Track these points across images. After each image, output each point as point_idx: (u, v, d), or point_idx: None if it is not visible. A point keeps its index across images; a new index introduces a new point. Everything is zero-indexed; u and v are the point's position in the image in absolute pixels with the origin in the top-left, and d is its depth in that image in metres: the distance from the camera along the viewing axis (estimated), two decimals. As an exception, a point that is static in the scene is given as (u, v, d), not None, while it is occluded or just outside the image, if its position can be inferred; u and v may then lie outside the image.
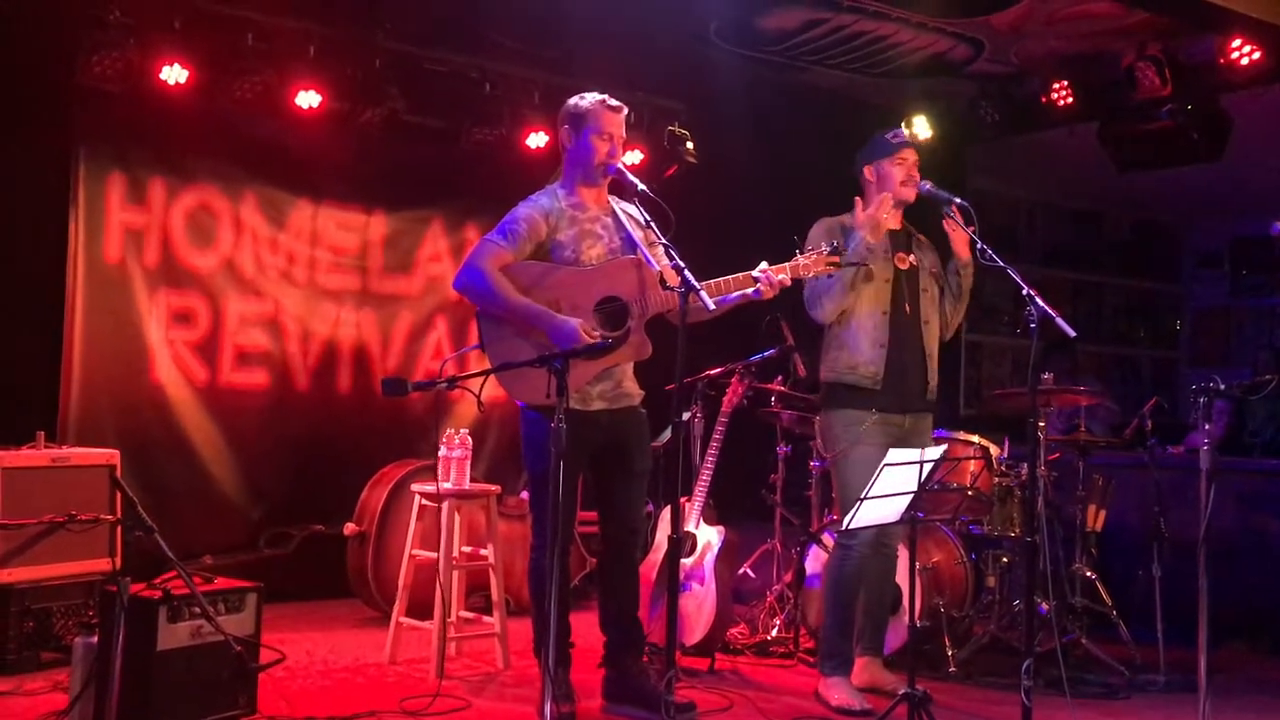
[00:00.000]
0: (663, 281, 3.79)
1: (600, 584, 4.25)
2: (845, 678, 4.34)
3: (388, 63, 5.72)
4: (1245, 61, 6.20)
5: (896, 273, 4.39)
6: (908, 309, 4.39)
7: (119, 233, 5.41)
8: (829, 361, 4.43)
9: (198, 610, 3.58)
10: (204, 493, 5.62)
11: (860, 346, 4.34)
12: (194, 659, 3.60)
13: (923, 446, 3.73)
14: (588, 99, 4.06)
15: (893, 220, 4.44)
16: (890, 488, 3.56)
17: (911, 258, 4.45)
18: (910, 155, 4.40)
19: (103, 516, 4.43)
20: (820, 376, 4.49)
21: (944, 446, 3.78)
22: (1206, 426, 3.73)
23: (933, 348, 4.44)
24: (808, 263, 3.97)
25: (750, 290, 3.90)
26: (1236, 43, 6.18)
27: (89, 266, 5.30)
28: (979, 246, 4.08)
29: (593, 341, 3.74)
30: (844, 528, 3.73)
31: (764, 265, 3.93)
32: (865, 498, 3.52)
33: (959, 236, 4.35)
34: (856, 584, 4.40)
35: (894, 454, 3.54)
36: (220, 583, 3.80)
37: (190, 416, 5.59)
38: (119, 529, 4.47)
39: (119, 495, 4.45)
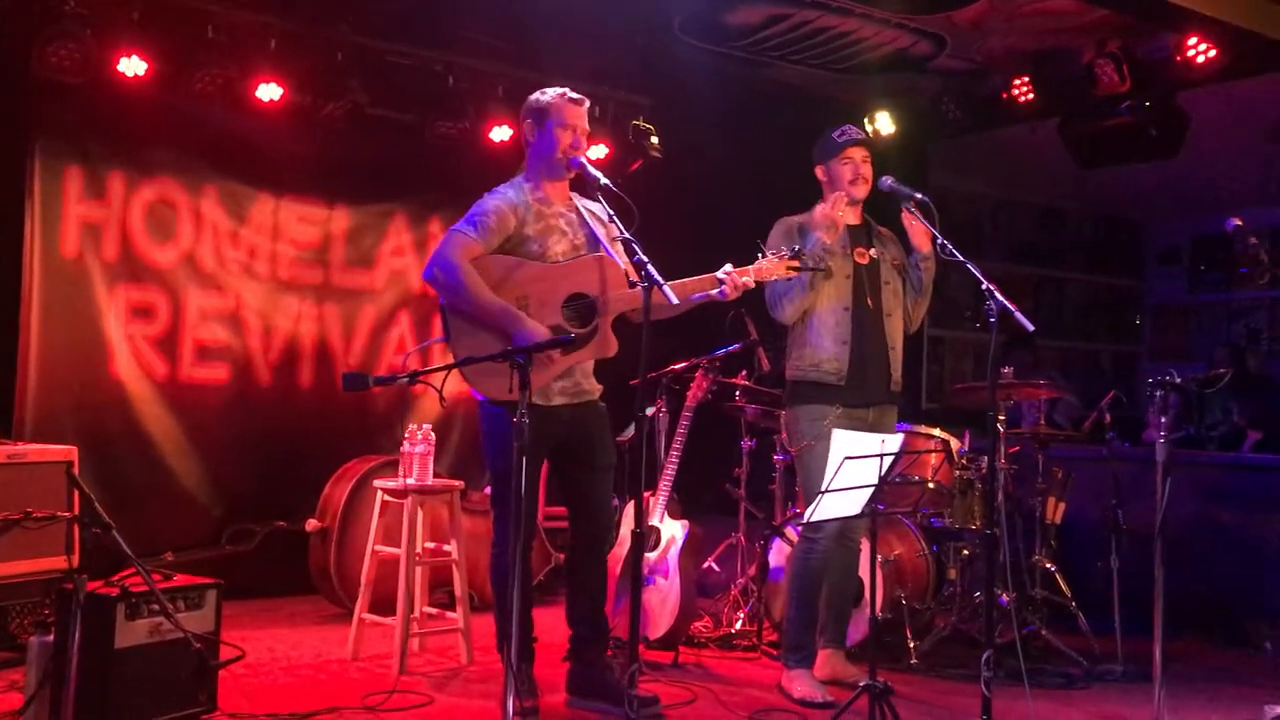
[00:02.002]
0: (629, 280, 3.79)
1: (570, 579, 4.23)
2: (808, 670, 4.36)
3: (350, 56, 5.69)
4: (1201, 59, 6.27)
5: (856, 268, 4.41)
6: (870, 303, 4.41)
7: (76, 227, 5.34)
8: (794, 359, 4.45)
9: (156, 607, 3.54)
10: (165, 489, 5.56)
11: (823, 343, 4.36)
12: (153, 656, 3.56)
13: (885, 439, 3.75)
14: (549, 93, 4.06)
15: (851, 215, 4.45)
16: (852, 481, 3.58)
17: (872, 251, 4.47)
18: (857, 153, 4.41)
19: (59, 513, 4.37)
20: (786, 374, 4.51)
21: (899, 437, 3.81)
22: (1162, 420, 3.78)
23: (896, 340, 4.46)
24: (768, 266, 4.00)
25: (715, 291, 3.93)
26: (1193, 40, 6.26)
27: (46, 261, 5.23)
28: (939, 242, 4.11)
29: (557, 338, 3.73)
30: (805, 520, 3.75)
31: (728, 267, 3.95)
32: (826, 490, 3.54)
33: (917, 229, 4.36)
34: (820, 577, 4.42)
35: (848, 441, 3.55)
36: (180, 579, 3.77)
37: (150, 412, 5.53)
38: (76, 526, 4.42)
39: (76, 492, 4.39)
